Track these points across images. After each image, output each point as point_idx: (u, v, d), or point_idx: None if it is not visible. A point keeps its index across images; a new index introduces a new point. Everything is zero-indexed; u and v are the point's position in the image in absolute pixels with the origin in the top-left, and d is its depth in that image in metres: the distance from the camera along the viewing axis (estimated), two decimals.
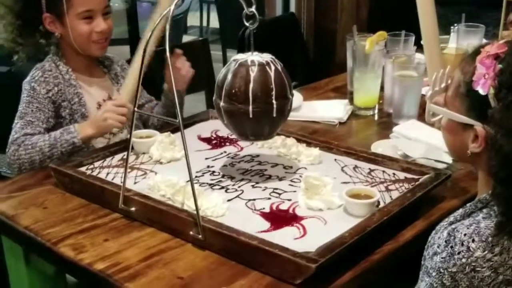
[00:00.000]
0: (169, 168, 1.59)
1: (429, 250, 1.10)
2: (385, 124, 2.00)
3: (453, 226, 1.08)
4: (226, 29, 5.13)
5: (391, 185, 1.48)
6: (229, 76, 1.42)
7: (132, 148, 1.62)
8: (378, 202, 1.37)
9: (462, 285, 1.04)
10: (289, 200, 1.42)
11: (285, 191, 1.46)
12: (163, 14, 1.31)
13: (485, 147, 1.10)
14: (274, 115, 1.42)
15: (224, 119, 1.46)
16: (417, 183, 1.47)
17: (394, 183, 1.49)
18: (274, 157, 1.65)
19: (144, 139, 1.69)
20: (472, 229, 1.05)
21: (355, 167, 1.58)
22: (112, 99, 1.85)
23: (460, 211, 1.13)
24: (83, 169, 1.57)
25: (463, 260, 1.04)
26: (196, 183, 1.46)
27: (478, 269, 1.03)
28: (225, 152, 1.69)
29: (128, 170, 1.49)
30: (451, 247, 1.05)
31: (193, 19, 6.67)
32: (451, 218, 1.12)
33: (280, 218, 1.34)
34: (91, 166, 1.59)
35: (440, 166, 1.59)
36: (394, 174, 1.54)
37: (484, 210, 1.10)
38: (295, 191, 1.45)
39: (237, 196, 1.44)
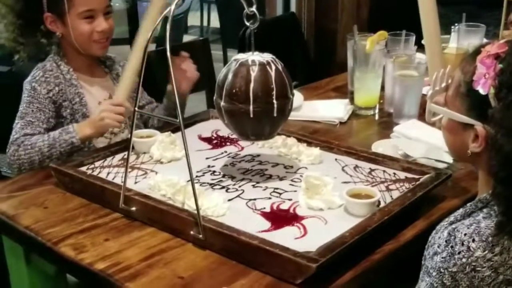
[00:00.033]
0: (169, 167, 1.59)
1: (430, 250, 1.10)
2: (386, 123, 2.00)
3: (453, 226, 1.08)
4: (226, 29, 5.12)
5: (392, 184, 1.49)
6: (230, 76, 1.42)
7: (133, 147, 1.62)
8: (379, 202, 1.37)
9: (463, 285, 1.04)
10: (290, 199, 1.42)
11: (286, 191, 1.46)
12: (164, 13, 1.31)
13: (485, 147, 1.10)
14: (275, 114, 1.42)
15: (224, 119, 1.46)
16: (417, 182, 1.47)
17: (395, 183, 1.49)
18: (274, 157, 1.65)
19: (144, 138, 1.69)
20: (473, 229, 1.05)
21: (356, 166, 1.58)
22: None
23: (461, 211, 1.13)
24: (83, 168, 1.57)
25: (464, 260, 1.04)
26: (196, 182, 1.46)
27: (478, 269, 1.03)
28: (225, 151, 1.69)
29: (129, 169, 1.49)
30: (452, 247, 1.05)
31: (193, 19, 6.67)
32: (452, 218, 1.12)
33: (280, 217, 1.34)
34: (92, 166, 1.60)
35: (441, 165, 1.59)
36: (394, 173, 1.54)
37: (485, 210, 1.10)
38: (295, 191, 1.45)
39: (238, 196, 1.44)
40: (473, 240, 1.04)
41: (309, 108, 2.07)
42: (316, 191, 1.38)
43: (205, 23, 6.80)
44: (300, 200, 1.40)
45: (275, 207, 1.39)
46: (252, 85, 1.39)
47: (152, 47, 2.86)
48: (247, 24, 1.43)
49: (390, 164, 1.57)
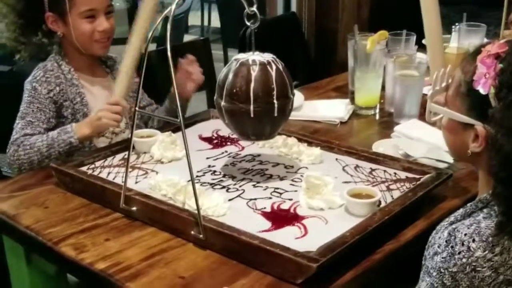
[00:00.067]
0: (170, 167, 1.59)
1: (430, 250, 1.10)
2: (386, 123, 2.00)
3: (453, 226, 1.08)
4: (227, 29, 5.12)
5: (392, 184, 1.49)
6: (230, 76, 1.42)
7: (133, 147, 1.62)
8: (379, 202, 1.37)
9: (463, 285, 1.04)
10: (290, 199, 1.42)
11: (286, 191, 1.46)
12: (165, 13, 1.31)
13: (486, 146, 1.10)
14: (275, 114, 1.42)
15: (225, 119, 1.46)
16: (418, 182, 1.47)
17: (395, 183, 1.49)
18: (275, 157, 1.65)
19: (145, 138, 1.69)
20: (473, 229, 1.05)
21: (356, 166, 1.58)
22: None
23: (461, 211, 1.13)
24: (84, 168, 1.57)
25: (464, 260, 1.04)
26: (197, 182, 1.46)
27: (478, 269, 1.03)
28: (226, 151, 1.69)
29: (129, 169, 1.49)
30: (452, 247, 1.05)
31: (194, 19, 6.67)
32: (452, 218, 1.12)
33: (281, 217, 1.34)
34: (92, 166, 1.60)
35: (441, 165, 1.59)
36: (395, 173, 1.54)
37: (485, 210, 1.10)
38: (296, 191, 1.45)
39: (238, 196, 1.44)
40: (473, 240, 1.04)
41: (310, 108, 2.07)
42: (317, 191, 1.39)
43: (205, 23, 6.80)
44: (300, 200, 1.40)
45: (275, 207, 1.39)
46: (252, 85, 1.39)
47: (153, 47, 2.86)
48: (248, 23, 1.43)
49: (390, 164, 1.57)
